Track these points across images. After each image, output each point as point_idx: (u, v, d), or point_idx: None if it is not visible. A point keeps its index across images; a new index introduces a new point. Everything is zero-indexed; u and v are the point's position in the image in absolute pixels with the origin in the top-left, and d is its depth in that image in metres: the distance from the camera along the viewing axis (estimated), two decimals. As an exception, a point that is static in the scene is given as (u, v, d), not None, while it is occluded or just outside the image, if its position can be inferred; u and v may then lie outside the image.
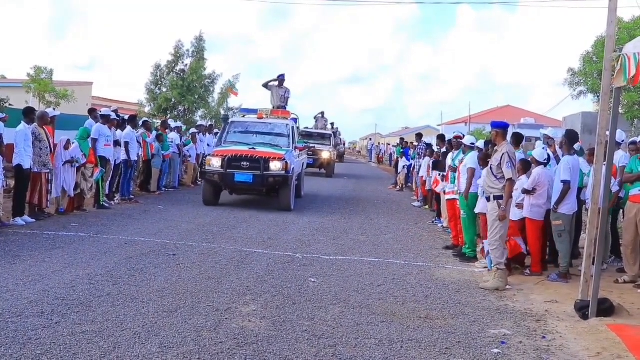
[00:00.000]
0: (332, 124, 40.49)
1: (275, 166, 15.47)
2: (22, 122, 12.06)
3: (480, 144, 11.22)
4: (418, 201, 19.79)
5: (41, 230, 11.03)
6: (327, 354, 5.68)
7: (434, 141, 17.95)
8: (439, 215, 15.00)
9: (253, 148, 15.99)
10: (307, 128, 34.46)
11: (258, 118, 17.75)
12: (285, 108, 19.05)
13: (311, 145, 29.09)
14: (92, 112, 15.47)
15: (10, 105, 24.63)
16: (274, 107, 18.92)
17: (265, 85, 19.70)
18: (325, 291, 7.96)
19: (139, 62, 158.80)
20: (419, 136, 23.30)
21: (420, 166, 19.21)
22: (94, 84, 53.06)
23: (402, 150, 26.19)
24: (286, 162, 15.58)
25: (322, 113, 37.24)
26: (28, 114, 12.31)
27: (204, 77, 41.50)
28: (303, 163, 19.93)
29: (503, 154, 8.77)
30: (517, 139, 10.61)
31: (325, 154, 31.42)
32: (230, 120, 18.44)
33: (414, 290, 8.33)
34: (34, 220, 11.93)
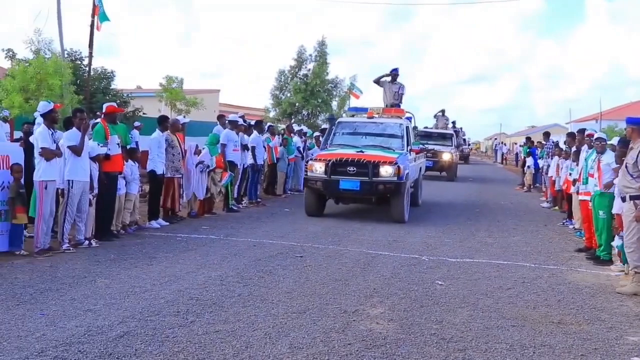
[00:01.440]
0: (454, 122, 37.55)
1: (386, 171, 13.66)
2: (157, 130, 12.63)
3: (615, 141, 10.67)
4: (547, 202, 19.17)
5: (174, 233, 11.50)
6: (456, 357, 5.59)
7: (562, 139, 17.32)
8: (570, 216, 14.46)
9: (361, 151, 14.26)
10: (426, 128, 32.40)
11: (368, 117, 15.92)
12: (399, 106, 17.17)
13: (430, 146, 26.95)
14: (220, 118, 15.97)
15: (144, 114, 25.90)
16: (386, 105, 17.12)
17: (377, 82, 17.67)
18: (452, 294, 7.85)
19: (263, 68, 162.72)
20: (546, 135, 22.54)
21: (549, 166, 18.60)
22: (221, 90, 54.69)
23: (528, 150, 25.38)
24: (398, 167, 13.68)
25: (443, 111, 34.47)
26: (162, 122, 12.86)
27: (326, 82, 42.01)
28: (420, 167, 17.89)
29: None
30: None
31: (446, 155, 28.58)
32: (337, 121, 16.58)
33: (545, 294, 8.07)
34: (167, 223, 12.46)
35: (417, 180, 17.02)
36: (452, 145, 30.09)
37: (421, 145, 17.71)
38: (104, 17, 19.74)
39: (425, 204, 17.98)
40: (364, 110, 16.52)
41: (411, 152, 15.37)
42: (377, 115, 16.01)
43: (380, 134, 15.35)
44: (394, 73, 17.38)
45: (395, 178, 13.63)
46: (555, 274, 9.34)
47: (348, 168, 13.80)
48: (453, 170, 29.17)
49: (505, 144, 67.61)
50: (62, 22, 19.08)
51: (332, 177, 13.80)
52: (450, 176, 28.74)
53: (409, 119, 16.87)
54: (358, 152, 14.22)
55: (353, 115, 16.94)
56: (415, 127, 24.39)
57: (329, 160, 13.91)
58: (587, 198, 10.98)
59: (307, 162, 14.76)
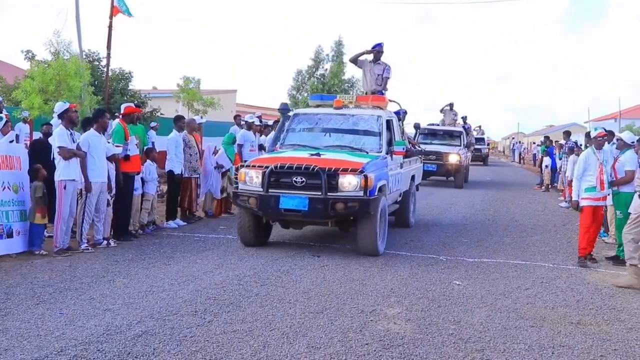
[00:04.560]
0: (464, 117, 31.42)
1: (349, 183, 9.58)
2: (174, 130, 12.70)
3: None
4: (565, 202, 19.04)
5: (192, 233, 11.54)
6: (474, 358, 5.58)
7: (582, 139, 17.18)
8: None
9: (317, 154, 10.25)
10: (432, 124, 28.18)
11: (335, 107, 11.69)
12: (383, 93, 12.79)
13: (433, 147, 23.73)
14: (236, 118, 16.03)
15: (161, 114, 26.03)
16: (365, 92, 13.16)
17: (354, 61, 13.29)
18: (470, 294, 7.82)
19: (281, 68, 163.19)
20: (567, 134, 22.34)
21: (566, 165, 18.47)
22: (238, 90, 54.81)
23: (546, 149, 25.22)
24: (366, 177, 9.55)
25: (451, 105, 29.20)
26: (177, 121, 12.95)
27: (344, 81, 42.11)
28: (413, 175, 13.62)
29: None
30: None
31: (453, 157, 23.88)
32: (292, 113, 12.21)
33: (564, 295, 8.02)
34: (185, 223, 12.52)
35: (408, 194, 13.06)
36: (460, 145, 25.73)
37: (410, 146, 13.50)
38: (128, 12, 19.92)
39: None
40: (331, 98, 12.43)
41: (392, 155, 11.23)
42: (349, 105, 12.00)
43: (350, 131, 11.36)
44: (377, 49, 12.94)
45: (362, 193, 9.58)
46: (574, 274, 9.28)
47: (294, 178, 9.73)
48: (462, 175, 24.63)
49: (522, 143, 67.30)
50: (81, 23, 19.18)
51: (269, 191, 9.80)
52: (459, 182, 24.32)
53: (397, 112, 12.85)
54: (313, 155, 10.24)
55: (318, 106, 12.56)
56: (417, 124, 23.25)
57: (267, 167, 9.88)
58: (601, 203, 10.37)
59: (237, 169, 10.69)
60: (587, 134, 14.70)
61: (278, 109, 12.43)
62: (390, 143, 11.31)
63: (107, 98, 20.50)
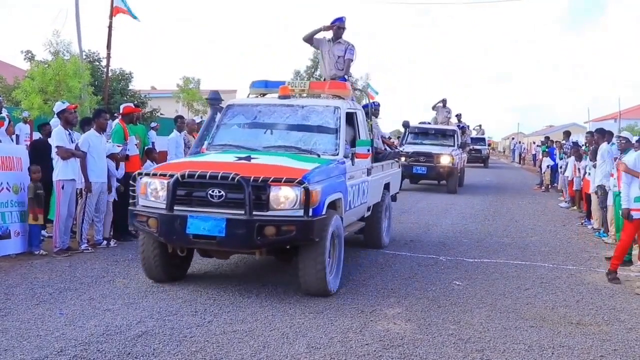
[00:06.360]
0: (459, 115, 28.33)
1: (284, 198, 6.95)
2: (174, 130, 12.74)
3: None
4: (565, 202, 19.06)
5: (192, 233, 11.50)
6: (474, 358, 5.58)
7: (582, 139, 17.17)
8: (589, 216, 14.36)
9: (247, 157, 7.74)
10: (423, 123, 25.57)
11: (280, 96, 9.10)
12: (345, 79, 10.23)
13: (417, 149, 21.86)
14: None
15: (161, 114, 26.07)
16: (324, 78, 10.58)
17: (309, 40, 10.44)
18: (470, 294, 7.82)
19: (280, 68, 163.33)
20: (567, 134, 22.33)
21: (566, 165, 18.49)
22: (238, 90, 54.77)
23: (546, 149, 25.22)
24: (307, 190, 6.87)
25: (444, 101, 26.10)
26: (177, 121, 13.02)
27: (344, 82, 42.24)
28: (387, 183, 10.85)
29: None
30: None
31: (445, 158, 21.48)
32: (227, 104, 9.57)
33: (564, 295, 8.02)
34: (185, 223, 12.49)
35: (379, 207, 10.40)
36: (454, 145, 23.16)
37: (383, 147, 11.25)
38: (134, 15, 19.97)
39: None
40: (277, 85, 9.36)
41: (353, 158, 8.54)
42: (300, 93, 9.48)
43: (298, 127, 8.74)
44: (337, 24, 10.24)
45: (302, 212, 6.93)
46: (574, 275, 9.28)
47: (209, 192, 7.06)
48: (455, 178, 22.31)
49: (522, 143, 67.27)
50: (81, 23, 19.18)
51: (175, 209, 7.11)
52: (452, 186, 22.01)
53: (365, 106, 10.56)
54: (241, 159, 7.72)
55: (264, 95, 9.78)
56: (406, 122, 22.41)
57: (173, 176, 7.15)
58: None
59: (132, 179, 7.73)
60: (590, 133, 12.99)
61: (207, 98, 10.26)
62: (353, 143, 8.83)
63: (106, 98, 20.49)
